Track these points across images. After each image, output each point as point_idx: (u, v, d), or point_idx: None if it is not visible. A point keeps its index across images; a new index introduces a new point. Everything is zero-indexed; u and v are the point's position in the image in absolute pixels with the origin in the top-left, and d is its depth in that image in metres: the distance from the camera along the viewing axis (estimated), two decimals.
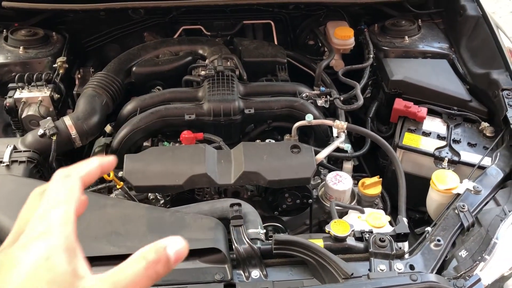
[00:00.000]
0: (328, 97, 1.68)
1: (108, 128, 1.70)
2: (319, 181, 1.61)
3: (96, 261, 1.10)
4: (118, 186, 1.41)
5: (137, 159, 1.40)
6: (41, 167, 1.48)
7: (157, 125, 1.57)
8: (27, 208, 0.46)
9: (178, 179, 1.36)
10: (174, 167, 1.38)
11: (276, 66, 1.86)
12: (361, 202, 1.54)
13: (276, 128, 1.72)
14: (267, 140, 1.60)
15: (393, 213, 1.62)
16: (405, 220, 1.36)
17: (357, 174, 1.67)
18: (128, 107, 1.66)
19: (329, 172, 1.58)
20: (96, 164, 0.49)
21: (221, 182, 1.38)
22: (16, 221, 0.46)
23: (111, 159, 0.51)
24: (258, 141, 1.60)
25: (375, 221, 1.34)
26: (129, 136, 1.54)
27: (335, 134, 1.74)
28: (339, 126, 1.55)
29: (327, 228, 1.21)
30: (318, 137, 1.67)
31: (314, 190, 1.54)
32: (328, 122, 1.57)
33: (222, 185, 1.39)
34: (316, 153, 1.46)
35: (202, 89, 1.66)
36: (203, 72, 1.70)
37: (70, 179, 0.46)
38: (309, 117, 1.55)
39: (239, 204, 1.26)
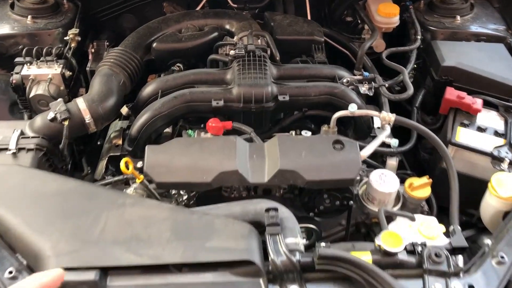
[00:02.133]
0: (373, 83, 1.50)
1: (124, 110, 1.55)
2: (358, 178, 1.46)
3: (115, 271, 0.97)
4: (137, 180, 1.26)
5: (160, 151, 1.25)
6: (51, 155, 1.34)
7: (181, 111, 1.42)
8: None
9: (206, 176, 1.22)
10: (201, 162, 1.23)
11: (312, 46, 1.68)
12: (406, 204, 1.39)
13: (309, 116, 1.56)
14: (303, 132, 1.44)
15: (439, 215, 1.48)
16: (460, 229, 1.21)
17: (400, 171, 1.51)
18: (148, 89, 1.50)
19: (370, 168, 1.43)
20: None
21: (254, 180, 1.23)
22: None
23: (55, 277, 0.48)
24: (292, 132, 1.44)
25: (428, 230, 1.20)
26: (149, 123, 1.39)
27: (376, 125, 1.58)
28: (386, 118, 1.38)
29: (376, 241, 1.07)
30: (359, 128, 1.51)
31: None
32: (374, 113, 1.40)
33: (254, 184, 1.24)
34: (360, 148, 1.31)
35: (231, 71, 1.49)
36: (232, 52, 1.53)
37: None
38: (352, 107, 1.38)
39: (276, 209, 1.12)
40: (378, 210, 1.27)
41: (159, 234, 1.08)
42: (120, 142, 1.51)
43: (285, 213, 1.17)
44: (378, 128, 1.58)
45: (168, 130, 1.52)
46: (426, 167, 1.66)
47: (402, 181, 1.43)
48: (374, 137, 1.54)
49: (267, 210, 1.12)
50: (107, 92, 1.43)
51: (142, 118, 1.40)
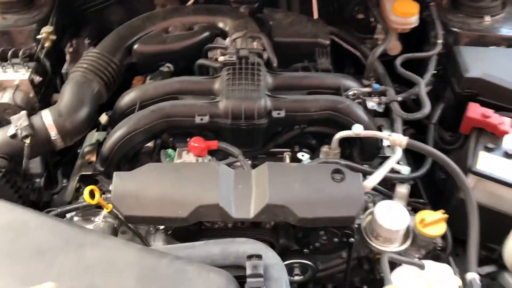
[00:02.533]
0: (383, 98, 1.30)
1: (103, 119, 1.39)
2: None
3: None
4: (106, 210, 1.10)
5: (130, 179, 1.09)
6: (13, 174, 1.19)
7: (160, 127, 1.25)
8: None
9: (181, 210, 1.06)
10: (177, 193, 1.07)
11: (316, 50, 1.48)
12: (416, 241, 1.20)
13: (311, 132, 1.37)
14: (299, 155, 1.26)
15: (455, 247, 1.29)
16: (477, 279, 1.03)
17: (412, 199, 1.31)
18: (126, 99, 1.33)
19: (377, 194, 1.25)
20: None
21: (238, 215, 1.07)
22: None
23: None
24: (286, 155, 1.26)
25: (441, 284, 1.01)
26: (124, 140, 1.22)
27: (386, 143, 1.38)
28: (397, 141, 1.19)
29: None
30: (365, 149, 1.33)
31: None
32: (381, 135, 1.22)
33: (238, 219, 1.07)
34: (364, 175, 1.13)
35: (220, 80, 1.31)
36: (221, 58, 1.34)
37: None
38: (357, 128, 1.20)
39: (260, 256, 0.95)
40: (381, 255, 1.09)
41: (121, 283, 0.93)
42: (93, 158, 1.35)
43: (271, 258, 1.00)
44: (389, 146, 1.38)
45: (149, 145, 1.35)
46: (443, 188, 1.46)
47: (414, 211, 1.25)
48: (383, 158, 1.35)
49: (249, 257, 0.95)
50: (77, 103, 1.27)
51: (116, 134, 1.24)
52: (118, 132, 1.23)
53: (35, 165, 1.36)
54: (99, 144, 1.39)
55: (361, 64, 1.65)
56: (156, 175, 1.10)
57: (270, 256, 1.01)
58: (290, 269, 1.25)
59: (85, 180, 1.32)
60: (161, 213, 1.06)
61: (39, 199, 1.33)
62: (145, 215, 1.07)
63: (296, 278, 1.28)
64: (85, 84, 1.31)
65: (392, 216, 1.15)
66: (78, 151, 1.55)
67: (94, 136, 1.46)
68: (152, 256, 0.99)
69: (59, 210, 1.18)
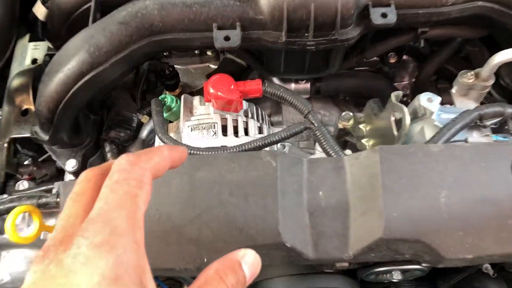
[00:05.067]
0: None
1: (40, 10, 0.75)
2: None
3: None
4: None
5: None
6: None
7: (140, 54, 0.63)
8: (75, 202, 0.35)
9: (204, 256, 0.53)
10: (197, 222, 0.52)
11: None
12: None
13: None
14: (421, 98, 0.67)
15: None
16: None
17: None
18: None
19: None
20: (166, 154, 0.37)
21: (320, 255, 0.53)
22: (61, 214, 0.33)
23: (182, 151, 0.39)
24: (398, 94, 0.66)
25: None
26: (75, 90, 0.62)
27: None
28: None
29: None
30: None
31: None
32: None
33: (319, 261, 0.55)
34: None
35: None
36: None
37: (138, 170, 0.34)
38: None
39: None
40: None
41: None
42: (31, 106, 0.74)
43: None
44: None
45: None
46: None
47: None
48: None
49: None
50: None
51: (58, 77, 0.62)
52: (62, 73, 0.61)
53: None
54: (38, 70, 0.76)
55: None
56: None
57: None
58: None
59: (26, 144, 0.75)
60: (166, 262, 0.53)
61: None
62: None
63: None
64: None
65: None
66: None
67: (27, 50, 0.82)
68: None
69: None
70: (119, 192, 0.33)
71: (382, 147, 0.53)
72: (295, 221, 0.53)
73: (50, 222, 0.66)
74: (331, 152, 0.57)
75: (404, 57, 0.85)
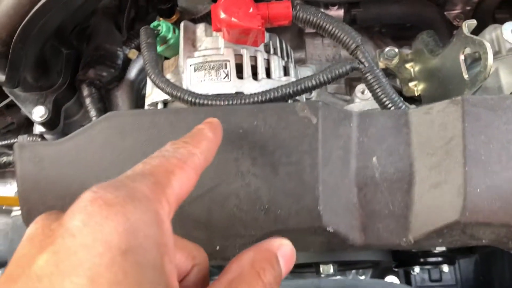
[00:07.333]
0: None
1: None
2: None
3: None
4: None
5: (59, 155, 0.38)
6: None
7: None
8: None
9: (216, 242, 0.39)
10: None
11: None
12: None
13: None
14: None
15: None
16: None
17: None
18: None
19: None
20: (210, 136, 0.33)
21: (372, 240, 0.40)
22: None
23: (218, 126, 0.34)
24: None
25: None
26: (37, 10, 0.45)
27: None
28: None
29: None
30: None
31: None
32: None
33: (369, 246, 0.42)
34: None
35: None
36: None
37: (183, 151, 0.30)
38: None
39: None
40: None
41: None
42: None
43: None
44: None
45: None
46: None
47: None
48: None
49: None
50: None
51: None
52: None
53: None
54: None
55: None
56: (135, 144, 0.38)
57: None
58: None
59: None
60: None
61: None
62: None
63: None
64: None
65: None
66: None
67: None
68: None
69: None
70: (151, 163, 0.28)
71: (466, 98, 0.38)
72: (340, 199, 0.39)
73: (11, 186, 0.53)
74: (387, 103, 0.42)
75: None
